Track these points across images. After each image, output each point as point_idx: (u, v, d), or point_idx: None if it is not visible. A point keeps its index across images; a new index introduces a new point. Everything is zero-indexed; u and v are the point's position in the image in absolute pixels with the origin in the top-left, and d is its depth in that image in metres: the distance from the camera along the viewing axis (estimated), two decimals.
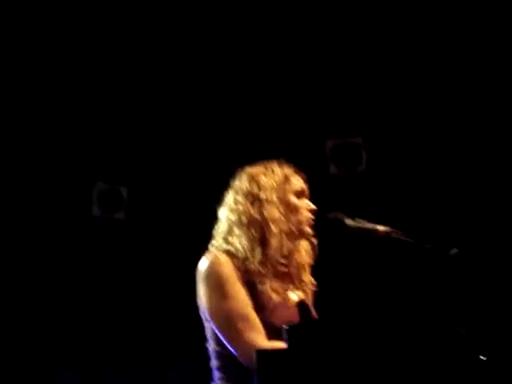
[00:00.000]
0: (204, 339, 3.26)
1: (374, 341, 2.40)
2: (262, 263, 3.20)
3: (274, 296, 3.17)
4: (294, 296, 3.27)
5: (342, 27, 6.09)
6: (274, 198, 3.30)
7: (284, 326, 2.50)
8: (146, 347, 6.31)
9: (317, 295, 3.42)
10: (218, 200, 3.42)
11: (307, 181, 3.44)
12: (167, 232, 6.51)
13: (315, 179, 3.49)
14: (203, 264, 3.19)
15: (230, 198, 3.37)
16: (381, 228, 3.22)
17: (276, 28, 6.08)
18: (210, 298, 3.14)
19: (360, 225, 3.27)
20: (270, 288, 3.17)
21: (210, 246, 3.33)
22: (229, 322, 3.08)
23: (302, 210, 3.34)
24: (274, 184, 3.33)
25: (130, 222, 6.64)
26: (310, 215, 3.34)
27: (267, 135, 6.06)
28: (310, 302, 3.36)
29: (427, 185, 6.08)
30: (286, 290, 3.26)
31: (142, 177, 6.64)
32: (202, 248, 3.37)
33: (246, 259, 3.19)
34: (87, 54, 6.21)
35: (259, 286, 3.16)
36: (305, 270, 3.37)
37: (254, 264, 3.18)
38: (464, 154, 6.12)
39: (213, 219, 3.40)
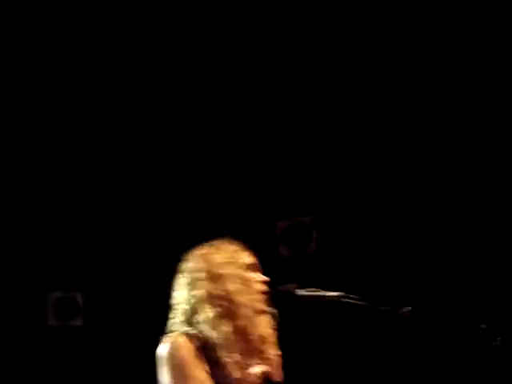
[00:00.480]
0: None
1: None
2: (227, 338, 3.17)
3: (235, 372, 3.13)
4: (257, 369, 3.24)
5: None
6: (231, 271, 3.28)
7: None
8: None
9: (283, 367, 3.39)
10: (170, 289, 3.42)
11: (255, 256, 3.45)
12: (126, 334, 6.44)
13: (266, 261, 3.52)
14: (163, 348, 3.13)
15: (184, 280, 3.32)
16: (333, 294, 3.22)
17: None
18: (170, 381, 3.09)
19: (311, 293, 3.27)
20: (232, 363, 3.14)
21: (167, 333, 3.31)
22: None
23: (255, 283, 3.34)
24: (226, 260, 3.31)
25: (87, 328, 6.57)
26: (261, 288, 3.34)
27: (216, 217, 6.09)
28: (276, 374, 3.32)
29: (379, 261, 6.12)
30: (249, 366, 3.23)
31: (96, 281, 6.59)
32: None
33: (208, 337, 3.16)
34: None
35: (221, 361, 3.13)
36: (268, 342, 3.34)
37: (219, 339, 3.15)
38: (411, 230, 6.18)
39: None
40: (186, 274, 3.35)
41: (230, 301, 3.22)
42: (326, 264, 6.12)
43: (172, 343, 3.14)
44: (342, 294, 3.21)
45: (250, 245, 3.49)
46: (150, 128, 6.37)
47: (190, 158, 6.36)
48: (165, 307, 3.45)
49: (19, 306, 6.40)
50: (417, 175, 6.20)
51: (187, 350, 3.12)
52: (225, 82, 6.24)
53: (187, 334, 3.17)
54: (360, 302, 3.20)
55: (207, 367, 3.12)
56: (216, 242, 3.41)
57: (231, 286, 3.25)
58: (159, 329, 3.61)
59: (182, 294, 3.32)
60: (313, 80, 6.25)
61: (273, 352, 3.31)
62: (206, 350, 3.14)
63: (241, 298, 3.23)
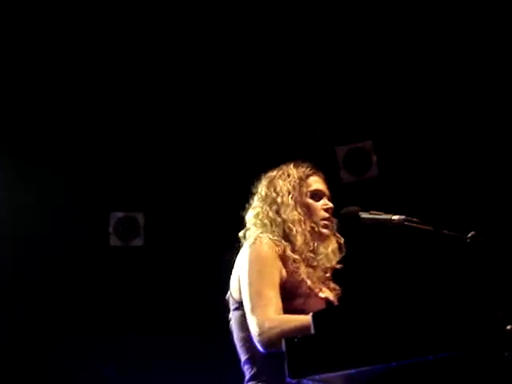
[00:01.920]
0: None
1: (397, 328, 2.41)
2: (294, 253, 3.33)
3: (309, 281, 3.30)
4: (324, 294, 3.36)
5: (352, 30, 6.12)
6: (291, 200, 3.44)
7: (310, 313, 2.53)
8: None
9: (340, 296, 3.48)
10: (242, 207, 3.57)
11: (326, 180, 3.52)
12: (186, 254, 6.53)
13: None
14: (248, 242, 3.35)
15: (252, 202, 3.55)
16: (396, 217, 3.23)
17: (282, 35, 6.11)
18: (248, 271, 3.26)
19: (375, 216, 3.29)
20: (305, 274, 3.30)
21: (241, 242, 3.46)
22: (254, 294, 3.20)
23: (316, 211, 3.43)
24: (290, 187, 3.48)
25: (148, 248, 6.68)
26: (325, 214, 3.43)
27: (276, 145, 6.10)
28: (335, 302, 3.42)
29: (440, 184, 6.08)
30: (318, 279, 3.35)
31: (158, 202, 6.67)
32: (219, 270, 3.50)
33: (281, 245, 3.32)
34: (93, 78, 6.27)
35: (295, 272, 3.29)
36: (330, 273, 3.46)
37: (288, 251, 3.31)
38: (475, 151, 6.11)
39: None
40: (254, 197, 3.55)
41: (288, 228, 3.40)
42: (388, 188, 6.12)
43: (257, 238, 3.34)
44: (404, 217, 3.23)
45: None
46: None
47: (251, 85, 6.34)
48: (225, 227, 3.53)
49: (83, 225, 6.49)
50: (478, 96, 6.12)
51: (269, 248, 3.30)
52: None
53: (270, 238, 3.34)
54: (423, 226, 3.21)
55: (283, 268, 3.28)
56: (286, 166, 3.57)
57: (290, 215, 3.42)
58: (219, 248, 3.69)
59: (248, 215, 3.51)
60: None
61: (333, 286, 3.43)
62: (283, 256, 3.31)
63: (300, 226, 3.36)
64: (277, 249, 3.30)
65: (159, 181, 6.59)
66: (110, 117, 6.46)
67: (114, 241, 6.70)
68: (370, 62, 6.22)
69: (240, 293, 3.29)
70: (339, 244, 3.49)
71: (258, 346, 3.10)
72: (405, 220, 3.22)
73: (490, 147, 6.02)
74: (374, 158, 6.27)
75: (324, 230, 3.44)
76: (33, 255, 6.29)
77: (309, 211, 3.43)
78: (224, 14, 6.00)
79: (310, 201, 3.46)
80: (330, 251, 3.45)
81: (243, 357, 3.27)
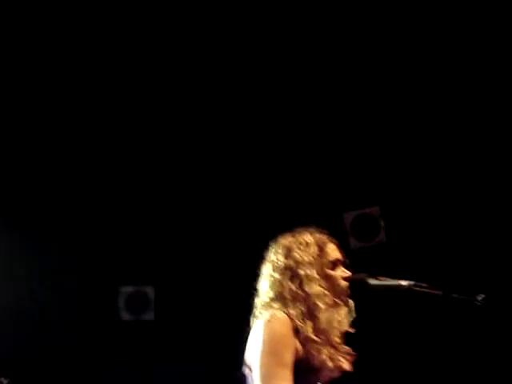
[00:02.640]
0: None
1: None
2: (316, 333, 3.21)
3: (330, 363, 3.20)
4: (344, 365, 3.29)
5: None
6: (314, 273, 3.31)
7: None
8: None
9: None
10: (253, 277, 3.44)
11: (339, 246, 3.46)
12: (197, 327, 6.50)
13: None
14: (263, 318, 3.22)
15: (267, 273, 3.39)
16: (405, 283, 3.22)
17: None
18: (261, 349, 3.15)
19: (383, 283, 3.27)
20: (327, 355, 3.19)
21: (254, 316, 3.34)
22: (266, 375, 3.10)
23: (338, 282, 3.34)
24: (312, 258, 3.33)
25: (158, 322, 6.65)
26: (345, 284, 3.35)
27: (283, 213, 6.10)
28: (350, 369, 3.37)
29: (448, 248, 6.06)
30: (339, 358, 3.27)
31: (168, 275, 6.66)
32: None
33: (300, 325, 3.21)
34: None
35: (315, 353, 3.18)
36: (343, 337, 3.39)
37: (309, 332, 3.20)
38: (482, 216, 6.11)
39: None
40: (267, 266, 3.40)
41: (313, 304, 3.25)
42: (396, 253, 6.10)
43: (273, 316, 3.20)
44: (413, 282, 3.21)
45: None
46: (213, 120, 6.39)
47: (258, 150, 6.38)
48: (235, 299, 3.49)
49: (93, 301, 6.48)
50: (485, 163, 6.13)
51: (285, 328, 3.18)
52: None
53: (286, 313, 3.22)
54: (432, 291, 3.19)
55: (300, 347, 3.17)
56: (301, 233, 3.42)
57: (314, 289, 3.28)
58: (231, 321, 3.65)
59: (263, 286, 3.38)
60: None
61: (348, 349, 3.36)
62: (300, 336, 3.19)
63: (325, 301, 3.26)
64: (293, 326, 3.18)
65: (168, 254, 6.59)
66: (117, 186, 6.49)
67: (124, 316, 6.67)
68: (375, 126, 6.27)
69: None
70: (349, 308, 3.43)
71: None
72: (414, 285, 3.20)
73: (496, 211, 6.02)
74: (382, 224, 6.28)
75: (346, 299, 3.32)
76: (42, 333, 6.26)
77: (332, 284, 3.30)
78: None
79: (331, 272, 3.33)
80: (343, 316, 3.39)
81: None
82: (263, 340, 3.17)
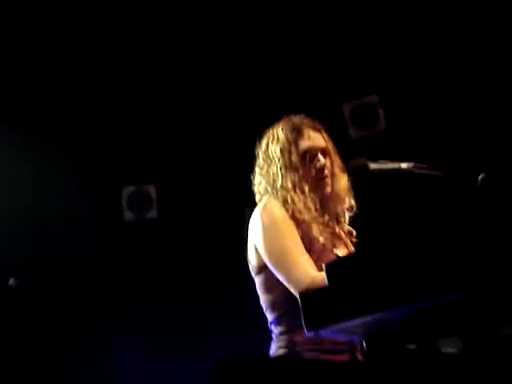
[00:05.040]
0: None
1: (410, 272, 2.40)
2: (301, 214, 3.26)
3: (322, 239, 3.25)
4: (339, 252, 3.33)
5: None
6: (282, 167, 3.37)
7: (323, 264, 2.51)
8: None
9: (356, 243, 3.46)
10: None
11: (322, 129, 3.46)
12: (200, 223, 6.53)
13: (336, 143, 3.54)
14: (258, 208, 3.31)
15: (256, 166, 3.50)
16: (405, 165, 3.21)
17: None
18: (265, 237, 3.21)
19: (383, 166, 3.27)
20: (316, 231, 3.25)
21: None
22: (284, 257, 3.15)
23: (310, 173, 3.37)
24: (278, 153, 3.39)
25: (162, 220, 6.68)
26: (319, 175, 3.36)
27: (280, 105, 6.06)
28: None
29: (448, 131, 6.03)
30: (331, 235, 3.31)
31: (169, 173, 6.65)
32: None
33: (289, 207, 3.28)
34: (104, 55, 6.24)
35: (307, 231, 3.24)
36: (342, 216, 3.41)
37: (296, 212, 3.26)
38: (480, 97, 6.06)
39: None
40: (257, 159, 3.43)
41: (290, 197, 3.31)
42: (396, 141, 6.09)
43: (266, 203, 3.30)
44: (413, 164, 3.21)
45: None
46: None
47: (256, 43, 6.30)
48: (236, 195, 3.50)
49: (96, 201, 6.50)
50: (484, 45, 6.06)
51: (280, 210, 3.26)
52: None
53: (277, 200, 3.31)
54: (432, 171, 3.19)
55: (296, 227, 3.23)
56: (276, 127, 3.50)
57: (287, 180, 3.35)
58: (232, 217, 3.66)
59: (256, 178, 3.44)
60: None
61: (348, 230, 3.39)
62: (292, 217, 3.27)
63: (295, 196, 3.29)
64: (286, 209, 3.26)
65: (168, 151, 6.57)
66: (117, 91, 6.45)
67: (128, 216, 6.70)
68: (371, 16, 6.17)
69: (257, 258, 3.27)
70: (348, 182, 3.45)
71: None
72: (414, 167, 3.20)
73: (495, 93, 5.97)
74: (381, 112, 6.24)
75: (325, 182, 3.38)
76: (43, 236, 6.31)
77: (300, 174, 3.34)
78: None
79: (300, 164, 3.36)
80: (340, 189, 3.41)
81: (270, 317, 3.27)
82: (265, 226, 3.21)
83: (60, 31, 6.11)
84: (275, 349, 3.24)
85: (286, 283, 3.14)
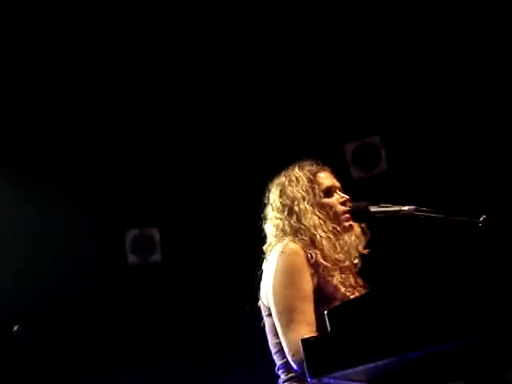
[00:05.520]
0: None
1: (411, 319, 2.40)
2: (325, 260, 3.25)
3: (342, 288, 3.23)
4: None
5: (356, 25, 6.12)
6: (308, 206, 3.36)
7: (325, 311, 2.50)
8: None
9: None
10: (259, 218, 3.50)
11: (332, 172, 3.48)
12: (205, 266, 6.52)
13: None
14: (277, 249, 3.26)
15: (268, 213, 3.47)
16: (406, 208, 3.21)
17: (285, 31, 6.11)
18: (277, 283, 3.18)
19: (385, 209, 3.26)
20: (338, 281, 3.23)
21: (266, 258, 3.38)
22: (286, 310, 3.13)
23: (335, 208, 3.38)
24: (303, 192, 3.39)
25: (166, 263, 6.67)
26: (344, 208, 3.37)
27: (284, 146, 6.08)
28: None
29: (449, 174, 6.03)
30: (354, 284, 3.30)
31: (173, 217, 6.65)
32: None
33: (310, 253, 3.25)
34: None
35: (328, 279, 3.22)
36: (358, 262, 3.41)
37: (319, 258, 3.24)
38: (483, 142, 6.07)
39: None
40: (269, 207, 3.48)
41: (313, 234, 3.30)
42: (398, 182, 6.08)
43: (287, 246, 3.25)
44: (414, 207, 3.20)
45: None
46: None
47: (258, 85, 6.33)
48: (240, 238, 3.49)
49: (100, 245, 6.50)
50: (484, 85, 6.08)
51: (300, 258, 3.22)
52: None
53: (298, 244, 3.26)
54: (434, 214, 3.18)
55: (313, 275, 3.20)
56: (290, 169, 3.49)
57: (311, 221, 3.32)
58: (237, 261, 3.65)
59: (267, 227, 3.45)
60: None
61: (359, 283, 3.38)
62: (314, 263, 3.23)
63: (323, 230, 3.29)
64: (307, 255, 3.22)
65: (171, 195, 6.58)
66: (119, 133, 6.47)
67: (132, 259, 6.70)
68: (374, 57, 6.20)
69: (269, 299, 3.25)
70: (361, 228, 3.44)
71: (293, 365, 3.05)
72: (415, 210, 3.20)
73: (498, 137, 5.98)
74: (383, 153, 6.25)
75: (347, 224, 3.37)
76: (48, 279, 6.30)
77: (328, 211, 3.35)
78: (224, 11, 5.99)
79: (326, 199, 3.39)
80: (353, 239, 3.41)
81: (278, 362, 3.22)
82: (280, 271, 3.19)
83: (56, 63, 6.12)
84: None
85: (280, 335, 3.12)
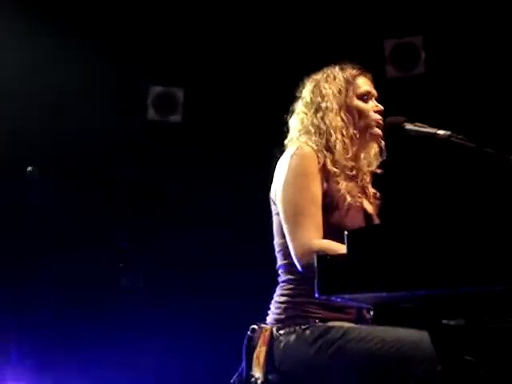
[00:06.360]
0: None
1: (433, 246, 2.37)
2: (334, 165, 3.23)
3: (349, 197, 3.21)
4: (367, 206, 3.31)
5: None
6: (335, 105, 3.31)
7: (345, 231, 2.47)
8: None
9: (381, 205, 3.43)
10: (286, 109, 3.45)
11: (373, 80, 3.41)
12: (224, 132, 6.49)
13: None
14: (290, 151, 3.25)
15: (297, 107, 3.43)
16: (442, 132, 3.14)
17: None
18: (287, 184, 3.18)
19: (420, 129, 3.21)
20: (344, 189, 3.21)
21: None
22: (294, 212, 3.13)
23: (368, 113, 3.34)
24: (335, 91, 3.34)
25: (186, 124, 6.64)
26: (377, 116, 3.34)
27: (324, 37, 5.95)
28: (375, 212, 3.38)
29: (487, 88, 5.91)
30: (360, 194, 3.29)
31: (200, 78, 6.58)
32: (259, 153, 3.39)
33: (322, 157, 3.23)
34: None
35: (335, 186, 3.21)
36: (370, 177, 3.39)
37: (328, 164, 3.22)
38: None
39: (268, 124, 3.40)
40: (299, 101, 3.44)
41: (330, 135, 3.29)
42: (433, 87, 5.98)
43: (299, 149, 3.23)
44: (450, 133, 3.15)
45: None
46: None
47: None
48: (264, 113, 3.44)
49: (121, 98, 6.44)
50: None
51: (311, 162, 3.20)
52: None
53: (312, 147, 3.25)
54: (467, 143, 3.13)
55: (323, 180, 3.20)
56: (331, 68, 3.43)
57: (333, 121, 3.32)
58: (259, 143, 3.60)
59: (292, 121, 3.42)
60: None
61: (373, 193, 3.37)
62: (324, 168, 3.22)
63: (342, 133, 3.28)
64: (318, 160, 3.19)
65: (204, 58, 6.48)
66: None
67: (151, 115, 6.66)
68: None
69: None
70: (380, 147, 3.41)
71: (298, 267, 3.06)
72: (450, 136, 3.14)
73: None
74: (423, 55, 6.12)
75: (375, 131, 3.34)
76: (71, 125, 6.29)
77: (359, 114, 3.31)
78: None
79: (360, 103, 3.34)
80: (372, 155, 3.39)
81: (280, 261, 3.25)
82: (291, 174, 3.18)
83: None
84: (277, 295, 3.24)
85: (287, 236, 3.13)
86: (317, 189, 3.16)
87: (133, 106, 6.54)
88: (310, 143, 3.26)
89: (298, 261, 3.06)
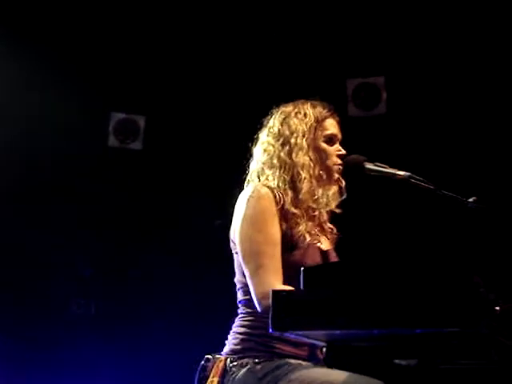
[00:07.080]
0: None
1: (389, 286, 2.39)
2: (295, 205, 3.22)
3: (308, 237, 3.20)
4: (324, 243, 3.31)
5: None
6: (304, 143, 3.30)
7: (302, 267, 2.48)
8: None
9: (337, 241, 3.44)
10: (250, 138, 3.42)
11: (340, 122, 3.42)
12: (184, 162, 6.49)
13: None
14: (245, 193, 3.22)
15: (262, 136, 3.40)
16: (401, 173, 3.18)
17: None
18: (244, 226, 3.15)
19: (380, 169, 3.24)
20: (304, 229, 3.19)
21: (247, 181, 3.36)
22: (253, 255, 3.10)
23: (331, 156, 3.33)
24: (305, 129, 3.32)
25: (146, 152, 6.63)
26: (338, 161, 3.33)
27: (288, 73, 6.00)
28: (332, 249, 3.39)
29: (447, 129, 6.00)
30: (318, 232, 3.28)
31: (160, 106, 6.59)
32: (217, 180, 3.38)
33: (281, 197, 3.21)
34: None
35: (294, 226, 3.19)
36: (328, 214, 3.39)
37: (288, 204, 3.20)
38: (490, 99, 6.02)
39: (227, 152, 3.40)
40: (264, 131, 3.40)
41: (297, 172, 3.27)
42: (394, 127, 6.05)
43: (255, 191, 3.20)
44: (409, 174, 3.18)
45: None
46: None
47: (262, 16, 6.20)
48: (223, 142, 3.44)
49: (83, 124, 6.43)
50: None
51: (268, 202, 3.17)
52: None
53: (269, 187, 3.22)
54: (426, 185, 3.16)
55: (282, 220, 3.17)
56: (303, 103, 3.40)
57: (301, 159, 3.28)
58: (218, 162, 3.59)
59: (256, 151, 3.38)
60: None
61: (329, 228, 3.37)
62: (282, 208, 3.19)
63: (308, 172, 3.26)
64: (276, 200, 3.17)
65: (166, 86, 6.50)
66: (116, 15, 6.34)
67: (112, 141, 6.65)
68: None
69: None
70: (340, 187, 3.42)
71: (258, 309, 3.04)
72: (410, 177, 3.17)
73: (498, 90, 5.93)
74: (384, 95, 6.19)
75: (337, 176, 3.32)
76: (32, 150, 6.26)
77: (322, 156, 3.30)
78: None
79: (325, 145, 3.32)
80: (330, 194, 3.39)
81: (241, 296, 3.22)
82: (247, 216, 3.15)
83: None
84: (236, 326, 3.24)
85: (247, 279, 3.10)
86: (275, 229, 3.13)
87: (94, 132, 6.52)
88: (270, 180, 3.25)
89: (259, 304, 3.03)
